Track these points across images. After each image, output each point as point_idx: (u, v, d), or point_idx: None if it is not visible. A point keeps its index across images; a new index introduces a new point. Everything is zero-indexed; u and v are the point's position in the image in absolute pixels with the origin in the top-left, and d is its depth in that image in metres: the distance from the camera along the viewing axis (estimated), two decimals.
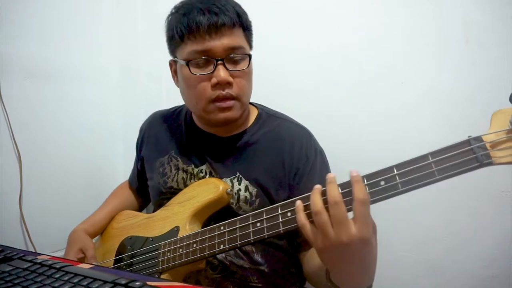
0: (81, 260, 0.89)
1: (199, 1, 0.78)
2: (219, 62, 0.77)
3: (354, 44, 1.05)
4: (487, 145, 0.49)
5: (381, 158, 1.06)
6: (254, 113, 0.92)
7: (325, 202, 0.56)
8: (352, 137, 1.07)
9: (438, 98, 0.97)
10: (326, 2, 1.08)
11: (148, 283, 0.51)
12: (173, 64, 0.88)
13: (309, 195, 0.59)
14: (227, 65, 0.78)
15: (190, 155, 0.91)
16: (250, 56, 0.81)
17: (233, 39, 0.78)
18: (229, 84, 0.78)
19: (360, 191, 0.54)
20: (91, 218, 1.01)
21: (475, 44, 0.93)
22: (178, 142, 0.94)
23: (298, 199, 0.61)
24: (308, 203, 0.58)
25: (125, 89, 1.38)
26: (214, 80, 0.77)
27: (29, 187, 1.07)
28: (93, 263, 0.87)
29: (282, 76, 1.14)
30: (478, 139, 0.50)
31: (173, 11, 0.83)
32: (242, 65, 0.80)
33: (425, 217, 1.01)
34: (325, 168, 0.88)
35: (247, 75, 0.82)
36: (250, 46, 0.84)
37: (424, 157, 0.53)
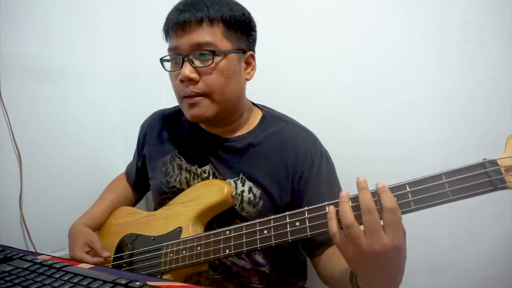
0: (88, 254, 0.89)
1: (182, 1, 0.81)
2: (184, 59, 0.78)
3: (354, 44, 1.05)
4: (502, 169, 0.50)
5: (381, 158, 1.06)
6: (258, 115, 0.91)
7: (355, 209, 0.55)
8: (352, 137, 1.07)
9: (438, 98, 0.97)
10: (326, 2, 1.08)
11: (148, 283, 0.51)
12: None
13: (336, 201, 0.58)
14: (195, 62, 0.78)
15: (193, 155, 0.91)
16: (214, 52, 0.77)
17: (201, 35, 0.77)
18: (192, 81, 0.78)
19: (388, 200, 0.53)
20: (90, 212, 1.00)
21: (475, 44, 0.93)
22: (181, 141, 0.94)
23: (327, 204, 0.60)
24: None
25: (125, 89, 1.38)
26: (180, 76, 0.78)
27: (29, 187, 1.07)
28: (105, 256, 0.87)
29: (282, 76, 1.14)
30: (493, 162, 0.51)
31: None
32: (209, 62, 0.78)
33: (425, 217, 1.00)
34: (332, 171, 0.87)
35: (218, 71, 0.78)
36: (237, 43, 0.81)
37: (437, 177, 0.53)
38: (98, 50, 1.30)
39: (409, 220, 1.06)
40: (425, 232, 1.01)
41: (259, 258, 0.85)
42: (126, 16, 1.36)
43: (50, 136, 1.14)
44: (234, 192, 0.82)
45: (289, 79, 1.14)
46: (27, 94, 1.08)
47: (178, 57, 0.79)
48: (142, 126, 1.05)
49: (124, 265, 0.87)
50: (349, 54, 1.06)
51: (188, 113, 0.82)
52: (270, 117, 0.91)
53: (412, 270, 1.06)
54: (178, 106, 1.02)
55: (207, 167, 0.89)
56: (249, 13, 0.84)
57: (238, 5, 0.83)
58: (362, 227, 0.54)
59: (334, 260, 0.75)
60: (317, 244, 0.81)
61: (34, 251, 1.06)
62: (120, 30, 1.36)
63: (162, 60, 0.82)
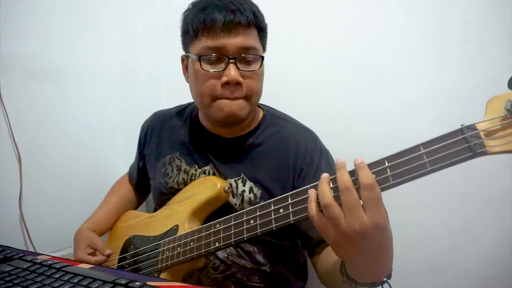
0: (92, 255, 0.89)
1: (219, 1, 0.78)
2: (231, 60, 0.76)
3: (354, 44, 1.05)
4: (481, 134, 0.47)
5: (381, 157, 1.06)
6: (259, 115, 0.91)
7: (335, 191, 0.53)
8: (352, 136, 1.07)
9: (438, 98, 0.97)
10: (326, 2, 1.08)
11: (148, 283, 0.51)
12: (184, 59, 0.87)
13: (317, 184, 0.56)
14: (239, 65, 0.77)
15: (194, 155, 0.91)
16: (262, 57, 0.80)
17: (247, 39, 0.77)
18: (238, 85, 0.77)
19: (365, 176, 0.51)
20: (94, 216, 1.01)
21: (475, 44, 0.93)
22: (182, 142, 0.94)
23: (309, 187, 0.58)
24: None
25: (125, 89, 1.38)
26: (224, 78, 0.76)
27: (29, 187, 1.07)
28: (107, 254, 0.88)
29: (282, 76, 1.14)
30: (472, 127, 0.48)
31: (190, 6, 0.83)
32: (254, 66, 0.79)
33: (425, 217, 1.01)
34: (331, 169, 0.86)
35: (258, 76, 0.81)
36: (264, 48, 0.84)
37: (415, 148, 0.51)
38: (98, 50, 1.30)
39: (409, 220, 1.06)
40: (425, 232, 1.01)
41: (259, 258, 0.85)
42: (126, 16, 1.36)
43: (50, 136, 1.14)
44: (227, 187, 0.81)
45: (289, 79, 1.14)
46: (27, 94, 1.08)
47: (223, 57, 0.77)
48: (143, 127, 1.05)
49: (127, 266, 0.88)
50: (349, 54, 1.07)
51: (226, 111, 0.79)
52: (271, 117, 0.91)
53: (412, 270, 1.07)
54: (178, 106, 1.03)
55: (207, 168, 0.89)
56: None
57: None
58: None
59: (329, 256, 0.74)
60: (316, 242, 0.81)
61: (34, 251, 1.06)
62: (120, 30, 1.36)
63: (200, 59, 0.78)
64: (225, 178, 0.85)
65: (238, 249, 0.84)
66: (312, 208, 0.55)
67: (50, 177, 1.14)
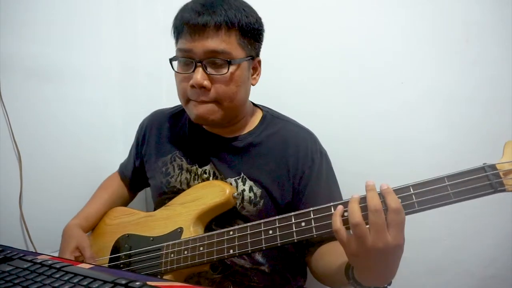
0: (77, 259, 0.88)
1: (198, 1, 0.78)
2: (198, 64, 0.76)
3: (354, 44, 1.05)
4: (501, 174, 0.54)
5: (381, 158, 1.06)
6: (258, 115, 0.92)
7: (363, 210, 0.57)
8: (352, 137, 1.07)
9: (438, 98, 0.97)
10: (325, 2, 1.08)
11: (148, 283, 0.51)
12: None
13: (344, 202, 0.61)
14: (208, 68, 0.76)
15: (194, 155, 0.91)
16: (229, 62, 0.76)
17: (217, 42, 0.75)
18: (204, 88, 0.77)
19: (393, 201, 0.55)
20: (83, 212, 1.00)
21: (475, 44, 0.93)
22: (182, 141, 0.94)
23: (334, 205, 0.62)
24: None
25: (125, 89, 1.38)
26: (191, 81, 0.77)
27: (29, 187, 1.07)
28: (92, 263, 0.87)
29: (282, 76, 1.14)
30: (493, 167, 0.54)
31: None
32: (223, 70, 0.77)
33: (425, 217, 1.00)
34: (331, 171, 0.88)
35: (229, 80, 0.78)
36: (250, 50, 0.81)
37: (440, 180, 0.56)
38: (98, 50, 1.30)
39: (409, 220, 1.06)
40: (425, 232, 1.01)
41: (259, 257, 0.85)
42: (126, 16, 1.36)
43: (50, 136, 1.14)
44: (235, 193, 0.82)
45: (289, 79, 1.14)
46: (27, 94, 1.08)
47: (190, 60, 0.77)
48: (141, 125, 1.05)
49: (121, 266, 0.87)
50: (349, 54, 1.06)
51: (195, 113, 0.80)
52: (271, 117, 0.91)
53: (412, 270, 1.07)
54: (178, 105, 1.02)
55: (207, 167, 0.89)
56: (261, 19, 0.83)
57: (253, 11, 0.82)
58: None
59: (326, 257, 0.78)
60: (310, 243, 0.82)
61: (34, 251, 1.06)
62: (120, 30, 1.35)
63: (171, 60, 0.80)
64: (225, 177, 0.86)
65: None
66: (337, 222, 0.59)
67: (50, 177, 1.14)
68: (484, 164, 0.55)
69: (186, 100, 0.81)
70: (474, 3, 0.92)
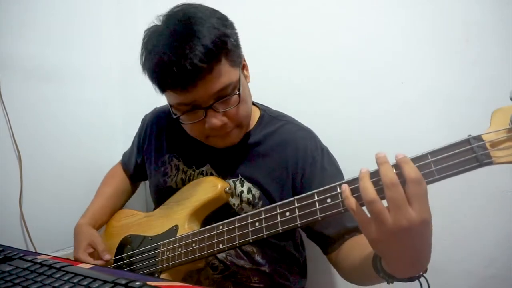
0: (92, 255, 0.89)
1: (167, 49, 0.69)
2: (208, 110, 0.73)
3: (354, 44, 1.05)
4: (487, 145, 0.49)
5: None
6: (256, 115, 0.91)
7: (375, 185, 0.51)
8: (353, 137, 1.07)
9: (438, 98, 0.97)
10: (325, 2, 1.08)
11: (148, 283, 0.51)
12: None
13: (349, 180, 0.55)
14: (218, 106, 0.73)
15: (191, 156, 0.91)
16: (239, 93, 0.74)
17: (216, 81, 0.70)
18: (224, 125, 0.76)
19: (412, 170, 0.49)
20: (90, 210, 1.00)
21: (475, 44, 0.93)
22: (181, 142, 0.94)
23: (338, 184, 0.57)
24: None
25: (125, 89, 1.38)
26: (207, 125, 0.74)
27: (29, 187, 1.07)
28: (106, 259, 0.87)
29: (282, 77, 1.14)
30: (478, 138, 0.49)
31: (144, 48, 0.79)
32: (233, 101, 0.75)
33: None
34: (335, 167, 0.86)
35: (242, 102, 0.76)
36: (238, 63, 0.76)
37: (423, 157, 0.51)
38: (98, 50, 1.30)
39: None
40: None
41: (258, 258, 0.85)
42: (126, 16, 1.36)
43: (50, 136, 1.14)
44: (227, 188, 0.81)
45: (289, 79, 1.14)
46: (27, 94, 1.08)
47: (198, 110, 0.73)
48: (144, 121, 1.05)
49: (124, 266, 0.87)
50: (349, 54, 1.06)
51: (222, 144, 0.81)
52: (269, 116, 0.91)
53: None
54: None
55: (205, 168, 0.89)
56: (232, 23, 0.76)
57: (221, 17, 0.75)
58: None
59: (353, 251, 0.72)
60: (332, 240, 0.79)
61: (34, 251, 1.06)
62: (120, 30, 1.36)
63: (179, 119, 0.76)
64: (223, 179, 0.85)
65: (237, 249, 0.84)
66: (352, 203, 0.53)
67: (50, 177, 1.14)
68: (469, 136, 0.50)
69: (205, 137, 0.80)
70: (474, 3, 0.92)
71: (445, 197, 0.97)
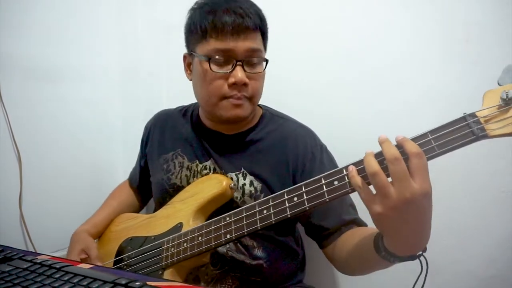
0: (84, 261, 0.89)
1: (225, 1, 0.80)
2: (238, 63, 0.79)
3: (354, 44, 1.05)
4: (481, 120, 0.53)
5: None
6: (258, 113, 0.93)
7: (380, 163, 0.55)
8: (353, 137, 1.06)
9: (438, 98, 0.97)
10: (327, 2, 1.08)
11: (148, 283, 0.51)
12: (187, 57, 0.89)
13: (356, 162, 0.58)
14: (245, 67, 0.80)
15: (195, 151, 0.92)
16: (267, 60, 0.83)
17: (254, 42, 0.80)
18: (245, 85, 0.80)
19: (413, 146, 0.53)
20: (92, 219, 1.01)
21: (476, 44, 0.93)
22: (184, 139, 0.95)
23: (345, 167, 0.60)
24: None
25: (125, 89, 1.38)
26: (231, 79, 0.79)
27: (29, 187, 1.07)
28: (97, 264, 0.87)
29: (284, 77, 1.14)
30: (473, 115, 0.54)
31: (196, 6, 0.84)
32: (259, 68, 0.83)
33: None
34: (332, 164, 0.88)
35: (261, 78, 0.84)
36: (266, 46, 0.86)
37: (423, 135, 0.56)
38: (98, 50, 1.30)
39: None
40: None
41: (258, 252, 0.86)
42: (126, 16, 1.36)
43: (50, 136, 1.14)
44: (232, 184, 0.83)
45: (289, 79, 1.14)
46: (27, 94, 1.08)
47: (231, 59, 0.79)
48: (146, 127, 1.06)
49: (124, 267, 0.87)
50: (350, 54, 1.06)
51: (231, 113, 0.82)
52: (270, 115, 0.93)
53: (412, 270, 1.06)
54: (181, 106, 1.03)
55: (208, 163, 0.90)
56: None
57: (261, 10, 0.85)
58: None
59: (351, 240, 0.74)
60: (330, 232, 0.81)
61: (34, 251, 1.06)
62: (120, 30, 1.36)
63: (209, 60, 0.80)
64: (226, 172, 0.87)
65: (238, 244, 0.85)
66: (358, 181, 0.56)
67: (50, 177, 1.14)
68: (464, 113, 0.55)
69: (220, 98, 0.82)
70: (474, 3, 0.92)
71: (445, 197, 0.97)
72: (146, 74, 1.38)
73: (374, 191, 0.55)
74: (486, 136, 0.53)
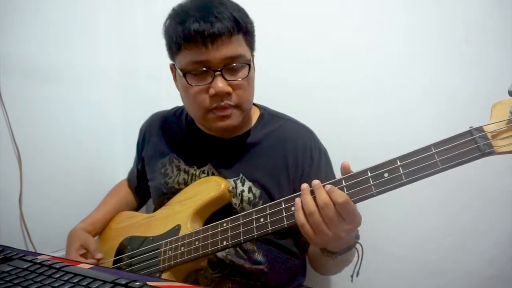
0: (84, 256, 0.89)
1: (195, 8, 0.76)
2: (216, 73, 0.75)
3: (354, 44, 1.05)
4: (489, 135, 0.50)
5: (381, 158, 1.06)
6: (256, 114, 0.92)
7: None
8: (353, 137, 1.07)
9: (438, 98, 0.97)
10: (327, 3, 1.08)
11: (148, 283, 0.51)
12: (173, 68, 0.87)
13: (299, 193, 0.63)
14: (226, 75, 0.76)
15: (192, 156, 0.91)
16: (249, 64, 0.79)
17: (231, 48, 0.75)
18: (227, 95, 0.77)
19: (339, 196, 0.59)
20: (90, 217, 1.00)
21: (475, 44, 0.93)
22: (180, 143, 0.94)
23: (297, 196, 0.64)
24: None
25: (125, 89, 1.38)
26: (212, 91, 0.76)
27: (29, 187, 1.07)
28: (98, 258, 0.87)
29: (284, 78, 1.14)
30: (480, 129, 0.51)
31: (169, 16, 0.82)
32: (242, 74, 0.78)
33: (425, 218, 1.01)
34: (330, 168, 0.88)
35: (247, 83, 0.79)
36: (252, 49, 0.83)
37: (426, 149, 0.54)
38: (98, 50, 1.30)
39: (409, 220, 1.06)
40: (425, 232, 1.01)
41: (258, 257, 0.85)
42: (126, 16, 1.36)
43: (50, 136, 1.14)
44: (231, 187, 0.82)
45: (288, 79, 1.14)
46: (27, 94, 1.08)
47: (208, 71, 0.76)
48: (141, 130, 1.05)
49: (124, 267, 0.87)
50: (349, 55, 1.06)
51: (219, 125, 0.80)
52: (268, 116, 0.92)
53: (412, 270, 1.06)
54: (176, 107, 1.03)
55: (206, 168, 0.89)
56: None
57: (242, 8, 0.81)
58: None
59: (311, 247, 0.85)
60: (303, 240, 0.83)
61: (34, 251, 1.06)
62: (120, 30, 1.36)
63: (185, 75, 0.77)
64: (225, 178, 0.85)
65: (238, 248, 0.84)
66: (301, 216, 0.62)
67: (50, 177, 1.14)
68: (470, 127, 0.52)
69: (205, 111, 0.80)
70: (474, 3, 0.92)
71: (445, 198, 0.98)
72: (146, 75, 1.38)
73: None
74: (493, 153, 0.50)
